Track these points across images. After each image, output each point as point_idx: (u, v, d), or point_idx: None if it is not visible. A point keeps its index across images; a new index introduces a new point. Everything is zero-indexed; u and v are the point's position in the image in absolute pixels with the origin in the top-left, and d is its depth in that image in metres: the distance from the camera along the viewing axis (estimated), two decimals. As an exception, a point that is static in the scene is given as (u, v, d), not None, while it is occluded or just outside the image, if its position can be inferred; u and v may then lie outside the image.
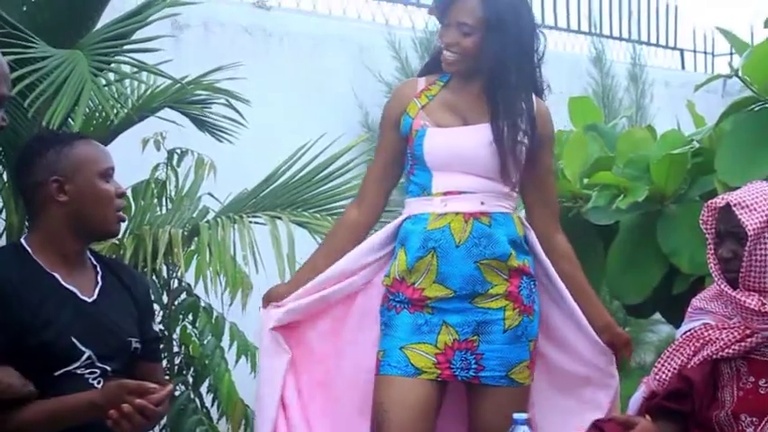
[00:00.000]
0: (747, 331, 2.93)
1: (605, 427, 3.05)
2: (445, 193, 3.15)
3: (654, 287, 3.95)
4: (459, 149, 3.16)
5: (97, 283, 2.96)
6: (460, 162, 3.15)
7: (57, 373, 2.83)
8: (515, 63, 3.14)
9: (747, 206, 2.91)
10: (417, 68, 3.81)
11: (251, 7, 6.28)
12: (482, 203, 3.14)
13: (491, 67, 3.13)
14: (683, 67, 9.96)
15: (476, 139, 3.15)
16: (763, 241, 2.90)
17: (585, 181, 4.08)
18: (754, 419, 2.92)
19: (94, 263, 3.01)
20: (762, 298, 2.91)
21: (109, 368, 2.90)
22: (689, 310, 3.13)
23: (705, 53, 10.07)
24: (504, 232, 3.15)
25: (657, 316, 4.51)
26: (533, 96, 3.22)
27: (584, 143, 4.11)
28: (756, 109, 3.82)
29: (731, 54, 7.24)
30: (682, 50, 9.99)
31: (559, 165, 4.14)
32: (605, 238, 4.12)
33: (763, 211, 2.91)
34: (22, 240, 2.96)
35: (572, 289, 3.27)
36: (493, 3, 3.13)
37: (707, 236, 3.01)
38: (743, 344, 2.94)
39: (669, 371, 3.03)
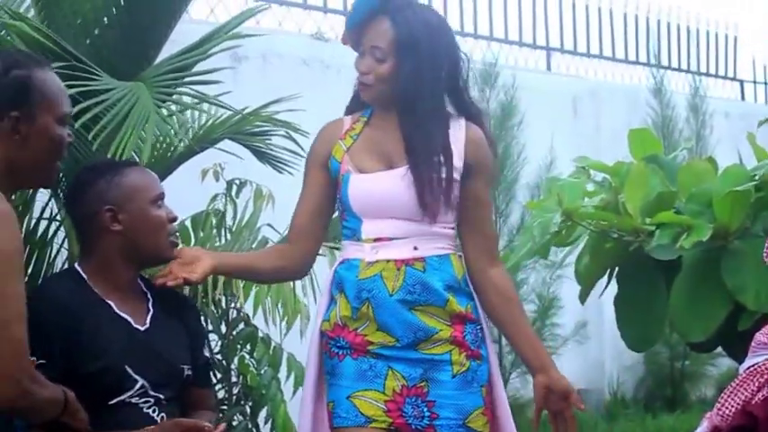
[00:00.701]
0: (813, 366, 2.89)
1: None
2: (375, 240, 2.99)
3: (718, 324, 3.91)
4: (382, 195, 2.99)
5: (149, 310, 2.97)
6: (387, 208, 2.99)
7: (111, 402, 2.84)
8: (431, 87, 2.97)
9: (814, 237, 2.87)
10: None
11: (309, 39, 6.33)
12: (415, 248, 2.98)
13: (404, 92, 2.96)
14: (742, 97, 9.90)
15: (397, 183, 2.98)
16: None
17: (648, 220, 4.03)
18: (819, 456, 2.87)
19: (144, 290, 3.02)
20: (829, 332, 2.86)
21: (162, 396, 2.91)
22: (753, 344, 3.07)
23: (765, 83, 10.00)
24: (440, 277, 2.98)
25: (718, 349, 4.46)
26: (464, 122, 3.05)
27: (644, 176, 4.06)
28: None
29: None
30: (741, 81, 9.93)
31: (620, 198, 4.11)
32: (667, 274, 4.07)
33: (829, 243, 2.86)
34: (77, 266, 2.97)
35: (504, 325, 3.07)
36: (404, 24, 2.97)
37: (771, 268, 2.96)
38: (809, 379, 2.89)
39: (733, 406, 2.98)
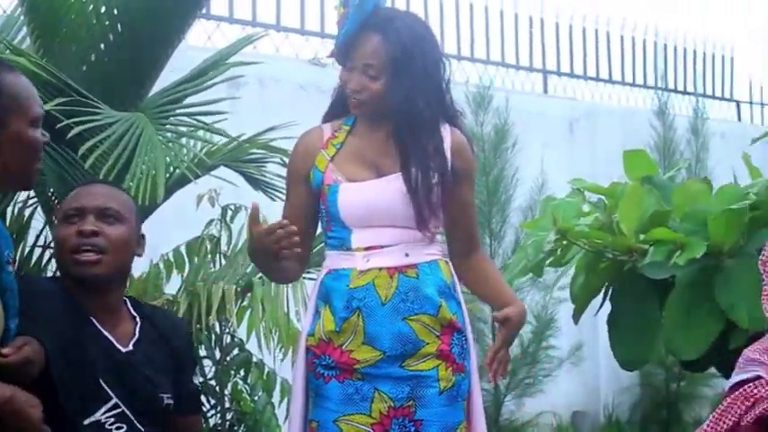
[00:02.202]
0: (801, 389, 2.90)
1: None
2: (367, 249, 2.99)
3: (711, 343, 3.92)
4: (375, 204, 2.99)
5: (134, 334, 2.93)
6: (379, 216, 2.99)
7: (85, 422, 2.77)
8: (424, 98, 2.98)
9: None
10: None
11: (306, 64, 6.37)
12: (407, 255, 2.99)
13: (400, 107, 2.97)
14: (739, 118, 9.92)
15: (391, 191, 2.99)
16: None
17: (642, 237, 4.05)
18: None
19: (134, 314, 2.98)
20: (816, 350, 2.88)
21: (137, 422, 2.84)
22: (741, 360, 3.09)
23: (762, 104, 10.04)
24: (433, 282, 2.99)
25: (713, 370, 4.48)
26: (448, 127, 3.07)
27: (639, 196, 4.08)
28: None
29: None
30: (738, 102, 9.96)
31: (614, 218, 4.13)
32: (660, 293, 4.08)
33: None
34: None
35: (482, 286, 3.13)
36: (396, 39, 2.96)
37: (764, 278, 2.97)
38: (797, 402, 2.91)
39: (722, 429, 2.99)
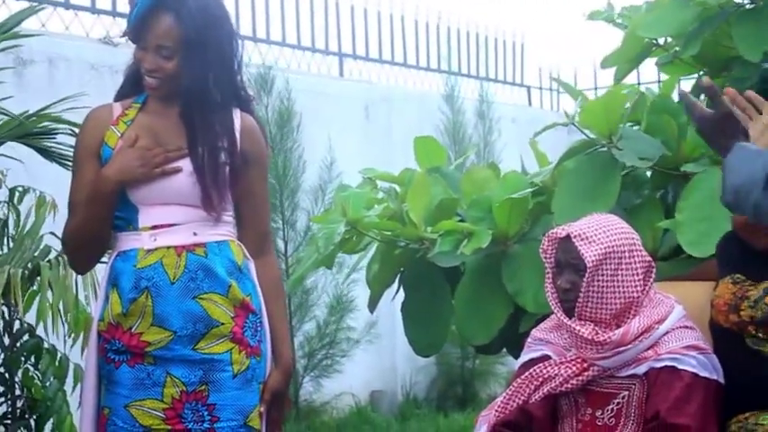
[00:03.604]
0: (585, 364, 3.00)
1: None
2: (153, 227, 2.96)
3: (500, 327, 4.01)
4: (161, 182, 2.95)
5: None
6: (165, 194, 2.96)
7: None
8: (216, 79, 2.97)
9: (587, 238, 2.98)
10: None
11: (98, 43, 6.21)
12: (195, 234, 2.96)
13: (191, 87, 2.95)
14: (529, 103, 10.20)
15: (177, 169, 2.97)
16: (601, 273, 2.97)
17: (429, 230, 4.10)
18: (593, 451, 2.99)
19: None
20: (596, 328, 2.98)
21: None
22: (529, 340, 3.18)
23: (551, 90, 10.34)
24: (221, 262, 2.96)
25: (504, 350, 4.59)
26: (238, 112, 3.05)
27: (427, 186, 4.13)
28: (593, 153, 3.93)
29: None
30: (528, 87, 10.24)
31: (405, 207, 4.18)
32: (451, 280, 4.16)
33: (602, 243, 2.97)
34: None
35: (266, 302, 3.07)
36: (190, 19, 2.93)
37: (546, 265, 3.06)
38: (581, 377, 3.00)
39: (512, 407, 3.07)
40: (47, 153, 3.84)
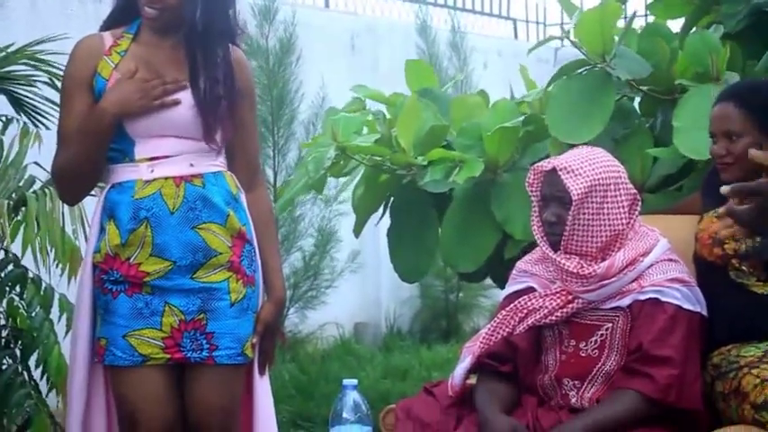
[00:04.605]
0: (569, 297, 3.01)
1: (435, 391, 3.11)
2: (151, 159, 2.95)
3: (487, 254, 4.03)
4: (159, 113, 2.94)
5: None
6: (163, 126, 2.95)
7: None
8: (218, 11, 2.97)
9: (573, 171, 2.98)
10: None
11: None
12: (191, 165, 2.96)
13: (194, 19, 2.93)
14: (515, 36, 10.14)
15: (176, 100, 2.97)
16: (587, 206, 2.97)
17: (420, 159, 4.11)
18: (576, 383, 3.00)
19: None
20: (581, 261, 2.99)
21: None
22: (514, 272, 3.19)
23: (537, 23, 10.27)
24: (219, 192, 2.98)
25: (490, 282, 4.61)
26: (230, 46, 3.03)
27: (417, 110, 4.12)
28: (585, 72, 3.93)
29: (562, 24, 7.42)
30: (515, 20, 10.17)
31: (394, 132, 4.18)
32: (439, 206, 4.17)
33: (588, 176, 2.97)
34: None
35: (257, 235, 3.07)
36: None
37: (532, 199, 3.07)
38: (565, 310, 3.02)
39: (496, 338, 3.08)
40: (18, 103, 3.74)
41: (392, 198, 4.33)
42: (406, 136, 4.09)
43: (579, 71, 3.94)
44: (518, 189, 3.81)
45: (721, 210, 2.04)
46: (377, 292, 7.66)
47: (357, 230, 4.43)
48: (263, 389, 3.08)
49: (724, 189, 2.02)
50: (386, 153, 4.15)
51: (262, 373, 3.06)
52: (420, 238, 4.22)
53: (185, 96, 2.96)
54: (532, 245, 3.21)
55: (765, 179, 1.99)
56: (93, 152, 2.97)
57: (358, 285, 7.22)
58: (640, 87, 3.96)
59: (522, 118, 4.08)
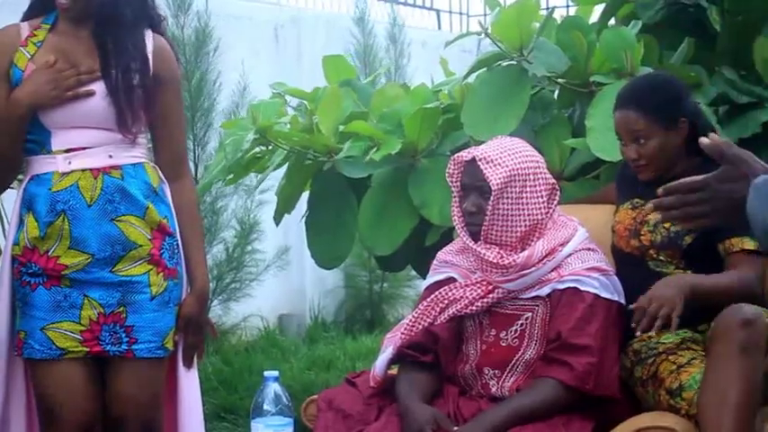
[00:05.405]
0: (490, 287, 3.03)
1: (357, 382, 3.12)
2: (68, 150, 2.93)
3: (405, 239, 4.05)
4: (74, 104, 2.92)
5: None
6: (79, 117, 2.92)
7: None
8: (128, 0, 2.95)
9: (492, 161, 3.00)
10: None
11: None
12: (110, 156, 2.94)
13: (104, 7, 2.92)
14: (439, 27, 10.17)
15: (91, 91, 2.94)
16: (506, 196, 2.99)
17: (341, 128, 4.10)
18: (497, 372, 3.03)
19: None
20: (501, 251, 3.01)
21: None
22: (434, 262, 3.20)
23: (461, 14, 10.31)
24: (137, 185, 2.95)
25: (413, 272, 4.63)
26: (150, 33, 3.01)
27: (338, 98, 4.14)
28: (502, 66, 3.95)
29: (485, 15, 7.45)
30: (438, 11, 10.19)
31: (315, 119, 4.18)
32: (358, 192, 4.19)
33: (507, 166, 2.99)
34: None
35: (180, 225, 3.04)
36: None
37: (452, 189, 3.08)
38: (486, 299, 3.04)
39: (418, 329, 3.09)
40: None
41: (312, 185, 4.33)
42: (326, 122, 4.10)
43: (497, 64, 3.97)
44: (436, 174, 3.85)
45: (648, 205, 2.07)
46: (301, 283, 7.65)
47: (277, 219, 4.42)
48: (188, 382, 3.06)
49: (660, 190, 2.03)
50: (306, 138, 4.14)
51: (188, 365, 3.05)
52: (339, 224, 4.23)
53: (100, 87, 2.93)
54: (452, 230, 3.22)
55: (711, 177, 1.99)
56: (8, 143, 2.94)
57: (282, 277, 7.19)
58: (558, 81, 4.00)
59: (440, 104, 4.11)
